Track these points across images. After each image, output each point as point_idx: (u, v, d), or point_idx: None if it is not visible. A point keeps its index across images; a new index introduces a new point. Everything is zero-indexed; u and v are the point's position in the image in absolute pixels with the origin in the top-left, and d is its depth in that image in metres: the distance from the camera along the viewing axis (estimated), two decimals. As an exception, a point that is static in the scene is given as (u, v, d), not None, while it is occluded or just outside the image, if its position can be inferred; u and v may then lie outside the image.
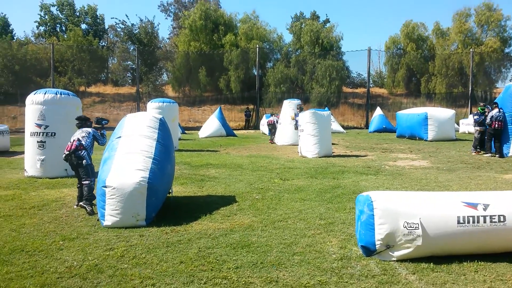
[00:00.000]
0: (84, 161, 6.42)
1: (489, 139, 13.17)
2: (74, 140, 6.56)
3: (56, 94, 9.57)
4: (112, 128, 7.06)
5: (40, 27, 46.04)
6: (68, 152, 6.44)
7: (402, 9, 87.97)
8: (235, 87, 37.95)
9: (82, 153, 6.45)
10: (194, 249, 4.65)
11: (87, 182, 6.36)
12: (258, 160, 12.50)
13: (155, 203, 5.76)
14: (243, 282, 3.81)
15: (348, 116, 35.60)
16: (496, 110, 12.78)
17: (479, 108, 13.97)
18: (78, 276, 3.94)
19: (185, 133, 26.09)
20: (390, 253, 4.26)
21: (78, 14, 46.15)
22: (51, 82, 32.65)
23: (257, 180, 9.06)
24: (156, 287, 3.72)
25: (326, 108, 24.54)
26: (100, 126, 7.14)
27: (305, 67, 38.60)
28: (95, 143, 6.86)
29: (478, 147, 13.79)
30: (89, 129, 6.77)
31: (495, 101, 13.60)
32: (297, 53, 40.74)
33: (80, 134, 6.69)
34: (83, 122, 6.97)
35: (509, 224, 4.26)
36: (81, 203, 6.36)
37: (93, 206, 6.19)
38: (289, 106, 18.47)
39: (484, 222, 4.24)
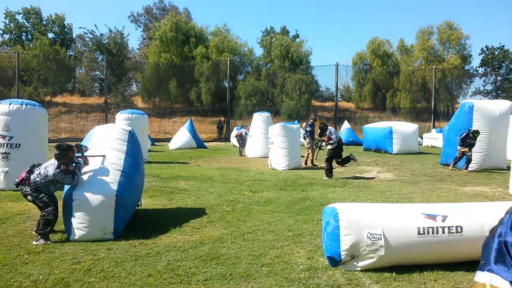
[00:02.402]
0: (28, 197, 5.45)
1: (334, 158, 11.61)
2: (24, 171, 5.55)
3: (22, 104, 9.35)
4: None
5: (5, 35, 44.80)
6: (15, 182, 5.54)
7: (369, 26, 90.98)
8: (206, 99, 37.99)
9: (25, 189, 5.42)
10: (163, 262, 4.65)
11: (42, 213, 5.44)
12: (229, 172, 12.56)
13: (123, 216, 5.71)
14: (212, 294, 3.86)
15: (317, 129, 36.17)
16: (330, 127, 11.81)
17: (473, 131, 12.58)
18: (43, 290, 3.88)
19: (155, 145, 25.84)
20: (354, 263, 4.40)
21: (45, 22, 45.22)
22: (16, 92, 31.72)
23: (227, 192, 9.11)
24: (124, 300, 3.71)
25: (296, 121, 24.94)
26: (81, 155, 5.83)
27: (276, 80, 39.16)
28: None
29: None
30: (51, 171, 5.39)
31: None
32: (268, 66, 41.31)
33: (42, 168, 5.52)
34: (62, 152, 5.47)
35: (466, 235, 4.48)
36: (33, 241, 5.36)
37: (47, 238, 5.39)
38: (259, 119, 18.65)
39: (443, 232, 4.45)
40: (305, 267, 4.53)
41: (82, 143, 6.46)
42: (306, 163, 14.81)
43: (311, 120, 15.21)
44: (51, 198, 5.54)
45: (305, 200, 8.25)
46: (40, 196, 5.45)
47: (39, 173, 5.47)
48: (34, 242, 5.33)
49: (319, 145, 11.90)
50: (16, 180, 5.53)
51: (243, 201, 8.14)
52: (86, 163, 5.79)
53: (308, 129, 14.96)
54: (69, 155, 5.53)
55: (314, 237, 5.66)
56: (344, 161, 11.98)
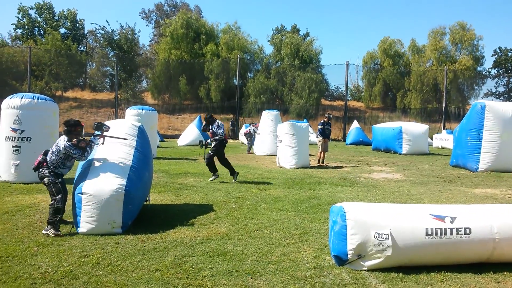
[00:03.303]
0: (45, 179, 5.54)
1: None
2: (40, 155, 5.67)
3: (33, 99, 9.47)
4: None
5: (18, 30, 45.31)
6: (33, 167, 5.65)
7: (380, 25, 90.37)
8: (215, 96, 38.10)
9: (43, 171, 5.56)
10: (170, 257, 4.68)
11: (51, 202, 5.56)
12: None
13: (132, 211, 5.75)
14: (218, 290, 3.87)
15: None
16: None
17: None
18: (52, 282, 3.92)
19: (164, 141, 25.97)
20: (361, 262, 4.38)
21: (57, 18, 45.63)
22: (27, 86, 32.10)
23: (234, 190, 9.13)
24: (131, 294, 3.75)
25: (305, 120, 24.90)
26: (100, 133, 5.97)
27: (285, 79, 39.12)
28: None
29: None
30: (62, 144, 5.59)
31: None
32: (278, 64, 41.30)
33: (54, 146, 5.70)
34: (70, 128, 5.69)
35: (475, 237, 4.44)
36: (43, 231, 5.44)
37: (58, 228, 5.43)
38: (268, 117, 18.65)
39: (451, 234, 4.40)
40: (312, 265, 4.53)
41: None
42: (320, 162, 14.68)
43: (325, 119, 15.03)
44: (63, 186, 5.65)
45: (312, 199, 8.23)
46: (57, 181, 5.56)
47: (53, 151, 5.63)
48: (43, 232, 5.40)
49: (203, 143, 10.66)
50: (33, 165, 5.65)
51: (251, 199, 8.15)
52: (102, 143, 5.94)
53: (319, 127, 14.86)
54: (77, 130, 5.73)
55: (321, 235, 5.65)
56: (227, 164, 10.48)
